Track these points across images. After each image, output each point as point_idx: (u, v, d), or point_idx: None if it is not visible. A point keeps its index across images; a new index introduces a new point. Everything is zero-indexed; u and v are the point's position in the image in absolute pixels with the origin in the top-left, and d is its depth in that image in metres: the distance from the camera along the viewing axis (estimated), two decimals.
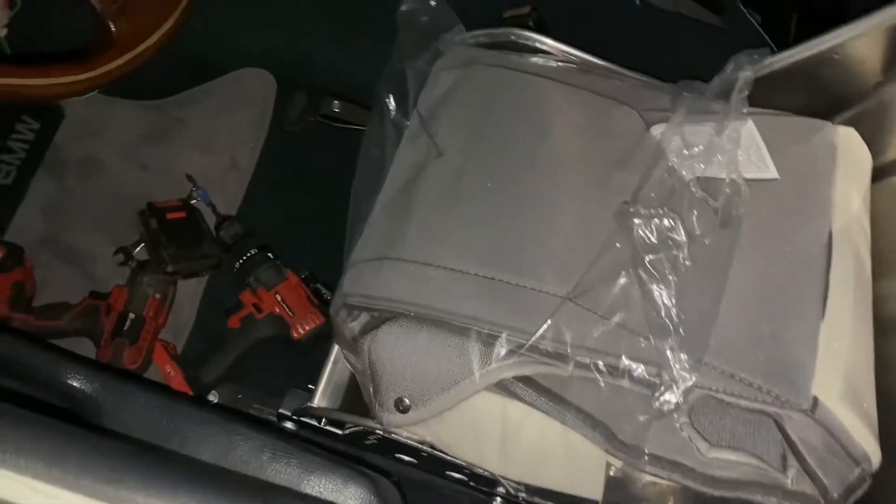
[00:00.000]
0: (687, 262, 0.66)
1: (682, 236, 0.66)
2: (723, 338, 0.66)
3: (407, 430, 0.76)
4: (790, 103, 0.85)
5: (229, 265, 1.10)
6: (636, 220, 0.66)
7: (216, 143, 1.20)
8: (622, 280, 0.66)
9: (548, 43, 0.92)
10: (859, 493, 0.67)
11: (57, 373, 0.62)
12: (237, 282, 1.09)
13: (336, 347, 0.87)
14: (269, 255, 1.10)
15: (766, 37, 1.26)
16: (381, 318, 0.74)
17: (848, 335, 0.70)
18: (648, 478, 0.72)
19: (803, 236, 0.74)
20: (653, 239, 0.66)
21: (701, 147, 0.74)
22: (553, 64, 0.90)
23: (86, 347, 1.05)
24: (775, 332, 0.68)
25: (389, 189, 0.83)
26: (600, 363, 0.65)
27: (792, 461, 0.69)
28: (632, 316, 0.66)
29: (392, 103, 0.89)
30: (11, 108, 1.16)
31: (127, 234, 1.12)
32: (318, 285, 1.10)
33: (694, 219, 0.70)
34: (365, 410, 0.79)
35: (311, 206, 1.16)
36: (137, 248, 1.11)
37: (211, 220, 1.14)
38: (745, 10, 1.30)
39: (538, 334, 0.66)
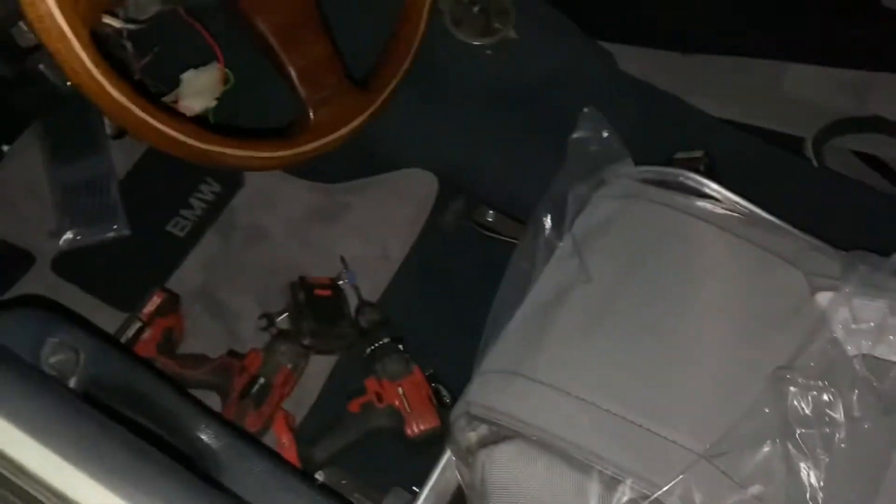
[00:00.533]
0: (842, 445, 0.61)
1: (840, 415, 0.61)
2: None
3: None
4: None
5: (361, 349, 1.13)
6: (792, 388, 0.62)
7: (373, 232, 1.25)
8: (766, 449, 0.61)
9: (716, 189, 0.91)
10: None
11: (190, 421, 0.65)
12: (365, 367, 1.11)
13: (448, 454, 0.86)
14: (400, 346, 1.11)
15: None
16: (500, 434, 0.72)
17: None
18: None
19: None
20: (807, 412, 0.61)
21: (871, 324, 0.69)
22: (719, 211, 0.88)
23: (212, 401, 1.09)
24: None
25: (531, 304, 0.83)
26: None
27: None
28: (771, 490, 0.61)
29: (548, 222, 0.90)
30: (200, 170, 1.27)
31: (275, 301, 1.17)
32: (440, 386, 1.10)
33: (854, 398, 0.65)
34: None
35: (450, 307, 1.17)
36: (281, 317, 1.16)
37: (353, 302, 1.18)
38: None
39: (666, 488, 0.62)
